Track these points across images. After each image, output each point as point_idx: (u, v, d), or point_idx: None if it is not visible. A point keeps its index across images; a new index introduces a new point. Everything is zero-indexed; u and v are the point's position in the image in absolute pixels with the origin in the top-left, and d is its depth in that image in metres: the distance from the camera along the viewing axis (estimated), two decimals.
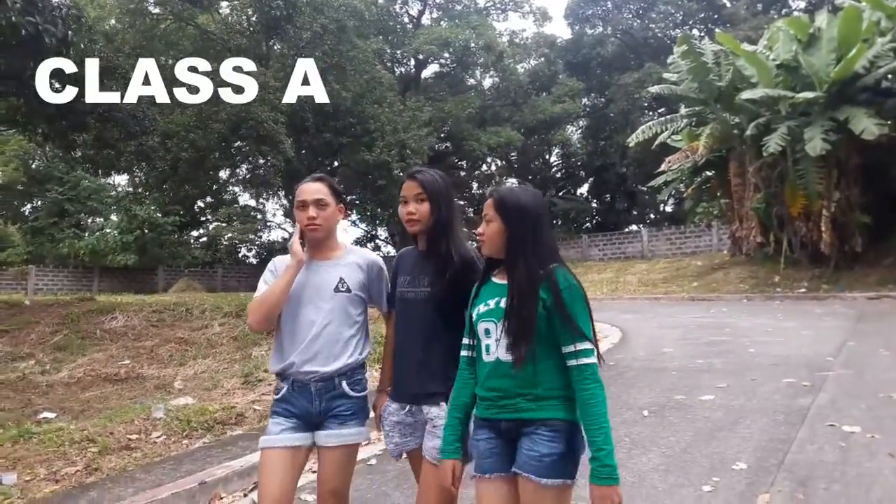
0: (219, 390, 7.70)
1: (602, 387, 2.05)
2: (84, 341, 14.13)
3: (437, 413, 2.38)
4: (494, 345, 2.15)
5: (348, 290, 2.62)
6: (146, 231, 29.14)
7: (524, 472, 2.07)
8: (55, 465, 4.86)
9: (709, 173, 21.55)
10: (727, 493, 3.80)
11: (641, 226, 36.89)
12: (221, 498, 4.28)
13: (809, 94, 15.71)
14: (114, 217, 32.54)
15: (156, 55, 22.77)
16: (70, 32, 11.05)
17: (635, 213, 40.68)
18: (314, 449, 2.60)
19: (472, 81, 36.81)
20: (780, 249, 18.47)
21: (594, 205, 39.52)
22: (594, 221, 38.58)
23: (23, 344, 14.03)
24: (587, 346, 2.06)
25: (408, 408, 2.50)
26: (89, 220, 32.95)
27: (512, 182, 39.27)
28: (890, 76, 15.75)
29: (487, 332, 2.18)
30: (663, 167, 21.05)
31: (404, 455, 2.59)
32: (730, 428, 5.10)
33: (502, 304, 2.14)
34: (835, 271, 17.51)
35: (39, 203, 32.41)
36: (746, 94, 16.50)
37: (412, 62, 35.22)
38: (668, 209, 38.53)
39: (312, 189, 2.63)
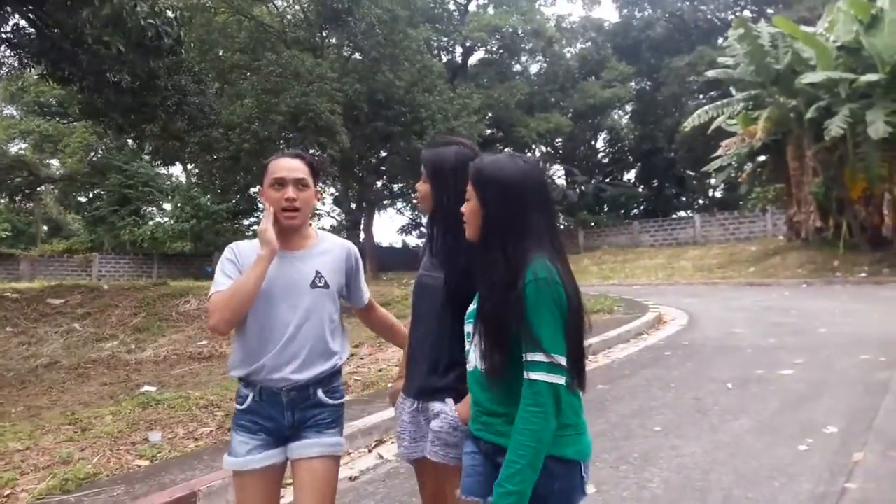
0: None
1: (545, 416, 1.61)
2: (162, 323, 14.92)
3: (441, 409, 2.12)
4: (472, 351, 1.84)
5: (326, 286, 2.30)
6: (202, 219, 30.10)
7: None
8: (190, 426, 5.37)
9: (763, 157, 21.40)
10: (822, 452, 4.10)
11: (691, 211, 36.64)
12: (349, 453, 4.73)
13: (872, 77, 15.57)
14: (167, 206, 33.73)
15: (215, 48, 23.60)
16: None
17: (684, 198, 40.36)
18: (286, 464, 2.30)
19: (518, 67, 36.92)
20: (838, 234, 18.36)
21: (642, 190, 39.34)
22: (642, 207, 38.43)
23: (105, 325, 14.87)
24: (539, 357, 1.63)
25: (416, 405, 2.23)
26: (148, 209, 34.14)
27: (556, 168, 39.37)
28: None
29: (468, 335, 1.88)
30: (720, 151, 20.99)
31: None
32: (814, 398, 5.38)
33: None
34: None
35: (101, 193, 33.68)
36: (808, 78, 16.38)
37: (459, 50, 35.50)
38: (719, 194, 38.14)
39: (292, 166, 2.29)
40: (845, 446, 4.18)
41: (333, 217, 38.79)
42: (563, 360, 1.64)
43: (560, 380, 1.63)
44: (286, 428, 2.24)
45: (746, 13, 34.81)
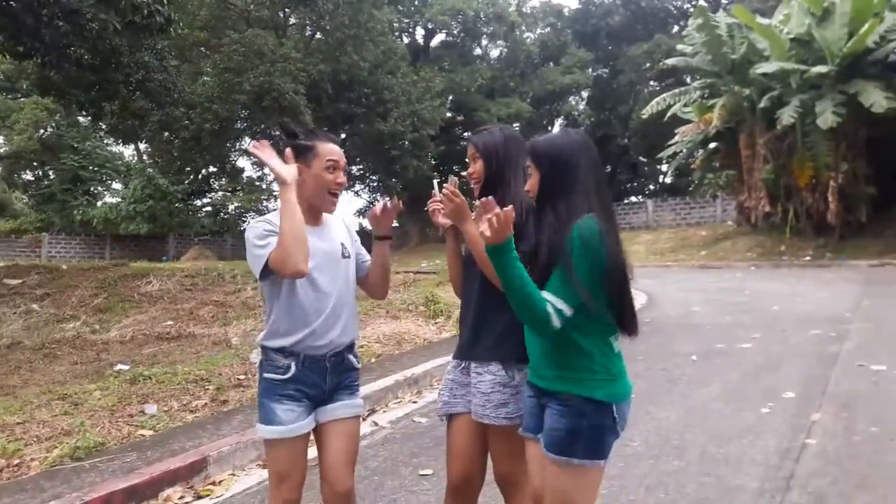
0: None
1: (547, 321, 1.88)
2: (124, 304, 14.76)
3: (487, 369, 2.31)
4: None
5: (348, 256, 2.51)
6: (158, 199, 29.61)
7: (542, 440, 2.02)
8: (184, 399, 5.53)
9: (716, 145, 22.11)
10: (783, 414, 4.53)
11: (643, 196, 37.53)
12: None
13: (822, 69, 16.28)
14: (117, 185, 32.99)
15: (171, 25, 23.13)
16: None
17: (636, 184, 41.29)
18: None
19: (478, 51, 37.11)
20: (786, 219, 19.19)
21: None
22: None
23: (65, 306, 14.65)
24: (559, 304, 1.89)
25: (462, 365, 2.43)
26: (102, 189, 33.35)
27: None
28: None
29: None
30: (677, 138, 21.62)
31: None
32: (772, 368, 5.84)
33: None
34: (839, 241, 18.22)
35: (50, 171, 32.75)
36: (762, 68, 17.03)
37: (420, 32, 35.51)
38: (669, 180, 39.19)
39: (341, 153, 2.45)
40: (803, 408, 4.61)
41: None
42: (570, 313, 1.88)
43: (559, 326, 1.88)
44: (325, 392, 2.39)
45: (702, 2, 35.68)
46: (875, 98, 15.44)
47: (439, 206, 2.44)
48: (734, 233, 22.41)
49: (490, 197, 1.90)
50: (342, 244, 2.49)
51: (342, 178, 2.42)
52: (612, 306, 1.94)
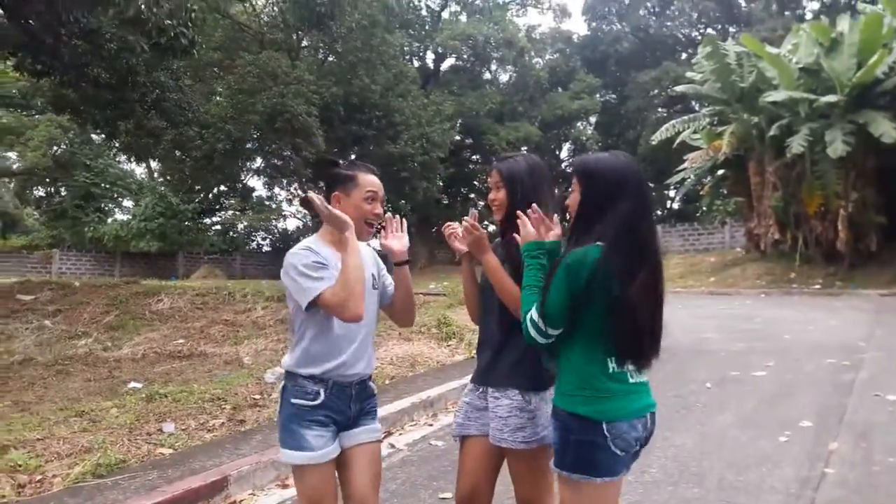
0: None
1: (522, 323, 2.05)
2: (136, 321, 14.84)
3: (504, 394, 2.36)
4: None
5: (377, 288, 2.57)
6: (168, 217, 29.83)
7: None
8: (201, 418, 5.56)
9: (724, 172, 22.18)
10: (801, 443, 4.53)
11: None
12: None
13: (832, 98, 16.41)
14: (128, 203, 33.25)
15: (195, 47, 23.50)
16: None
17: None
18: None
19: (488, 76, 37.46)
20: (795, 247, 19.20)
21: None
22: None
23: (77, 323, 14.75)
24: (537, 318, 2.01)
25: (480, 390, 2.48)
26: (113, 207, 33.62)
27: None
28: None
29: None
30: (686, 164, 21.72)
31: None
32: (787, 396, 5.85)
33: None
34: (849, 269, 18.20)
35: (62, 188, 33.04)
36: (771, 97, 17.17)
37: (430, 56, 35.89)
38: (676, 206, 39.24)
39: (380, 184, 2.49)
40: (820, 438, 4.62)
41: (298, 218, 38.71)
42: (551, 331, 1.98)
43: (541, 339, 2.00)
44: (350, 418, 2.43)
45: (710, 31, 36.07)
46: (884, 128, 15.53)
47: (455, 231, 2.50)
48: (743, 259, 22.40)
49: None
50: (372, 275, 2.53)
51: (380, 209, 2.46)
52: (608, 331, 1.97)
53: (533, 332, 2.00)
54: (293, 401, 2.39)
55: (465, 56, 33.74)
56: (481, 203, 40.36)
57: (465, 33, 30.75)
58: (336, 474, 2.43)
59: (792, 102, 17.47)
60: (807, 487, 3.75)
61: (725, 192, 24.43)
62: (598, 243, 1.95)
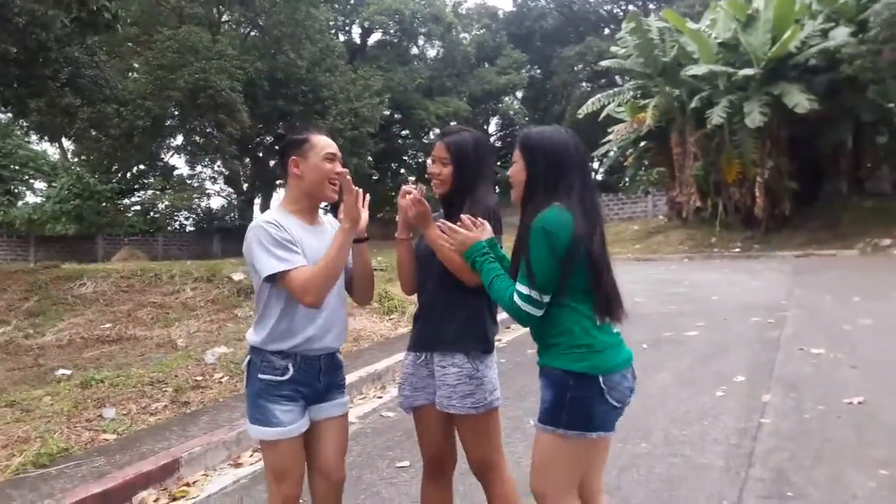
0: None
1: (512, 313, 2.07)
2: (58, 307, 14.17)
3: (452, 361, 2.37)
4: None
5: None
6: (85, 199, 28.54)
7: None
8: (142, 402, 5.40)
9: (647, 143, 22.85)
10: (737, 396, 4.79)
11: None
12: None
13: (749, 71, 17.11)
14: (40, 184, 31.56)
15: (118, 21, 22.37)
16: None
17: None
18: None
19: (415, 51, 37.21)
20: (716, 213, 20.07)
21: None
22: None
23: None
24: (524, 290, 2.02)
25: (423, 357, 2.47)
26: (24, 189, 31.88)
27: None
28: (818, 56, 17.27)
29: None
30: (610, 137, 22.24)
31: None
32: (719, 354, 6.15)
33: None
34: (765, 233, 19.19)
35: None
36: (692, 70, 17.74)
37: (357, 30, 35.33)
38: (600, 178, 40.24)
39: (334, 145, 2.45)
40: (754, 391, 4.89)
41: (223, 196, 37.65)
42: (546, 297, 2.00)
43: (536, 311, 2.01)
44: (319, 391, 2.40)
45: (632, 7, 36.79)
46: (798, 99, 16.31)
47: (416, 196, 2.39)
48: (666, 227, 23.21)
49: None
50: None
51: (340, 168, 2.39)
52: (589, 288, 2.03)
53: (526, 307, 2.01)
54: (261, 376, 2.35)
55: (391, 31, 33.41)
56: (412, 179, 40.28)
57: (392, 8, 30.45)
58: (303, 446, 2.42)
59: (711, 76, 18.10)
60: (746, 437, 3.97)
61: (647, 162, 25.19)
62: (556, 204, 2.01)
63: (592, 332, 2.04)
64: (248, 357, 2.44)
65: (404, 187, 2.41)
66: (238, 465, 4.30)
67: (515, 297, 2.02)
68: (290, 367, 2.34)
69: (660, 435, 4.11)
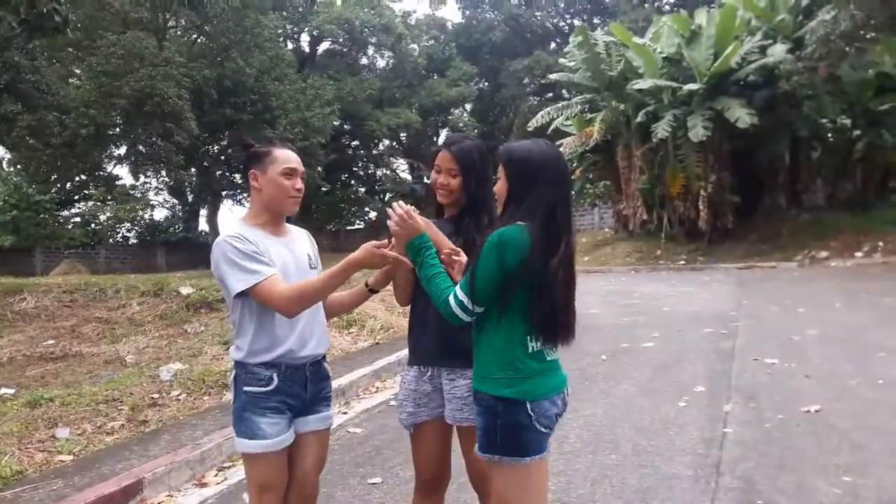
0: (203, 357, 8.04)
1: (444, 310, 2.06)
2: None
3: (460, 374, 2.36)
4: None
5: (316, 266, 2.51)
6: (23, 210, 27.46)
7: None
8: (97, 421, 5.21)
9: (594, 157, 23.25)
10: (699, 406, 4.92)
11: None
12: None
13: (692, 86, 17.67)
14: None
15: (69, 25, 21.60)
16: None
17: None
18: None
19: (365, 61, 37.14)
20: (661, 226, 20.57)
21: None
22: None
23: None
24: (463, 297, 2.01)
25: (429, 372, 2.44)
26: None
27: (401, 163, 40.26)
28: (757, 72, 17.96)
29: None
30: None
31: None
32: (677, 364, 6.30)
33: None
34: (709, 245, 19.76)
35: None
36: (638, 84, 18.20)
37: (306, 39, 35.08)
38: None
39: (298, 159, 2.44)
40: (715, 401, 5.03)
41: (167, 208, 36.74)
42: (478, 308, 1.99)
43: (466, 318, 2.01)
44: (306, 402, 2.39)
45: (577, 22, 37.58)
46: (739, 114, 16.90)
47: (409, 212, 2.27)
48: (613, 239, 23.66)
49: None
50: (308, 255, 2.49)
51: (300, 185, 2.40)
52: (530, 310, 2.01)
53: (458, 311, 2.01)
54: (246, 388, 2.33)
55: (341, 40, 33.24)
56: (362, 189, 39.99)
57: (342, 17, 30.30)
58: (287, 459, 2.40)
59: (657, 90, 18.62)
60: (712, 447, 4.08)
61: (594, 175, 25.66)
62: (520, 223, 1.99)
63: (523, 357, 2.02)
64: (234, 372, 2.41)
65: (394, 207, 2.25)
66: (203, 485, 4.19)
67: (451, 299, 2.02)
68: (275, 376, 2.32)
69: (628, 446, 4.17)
